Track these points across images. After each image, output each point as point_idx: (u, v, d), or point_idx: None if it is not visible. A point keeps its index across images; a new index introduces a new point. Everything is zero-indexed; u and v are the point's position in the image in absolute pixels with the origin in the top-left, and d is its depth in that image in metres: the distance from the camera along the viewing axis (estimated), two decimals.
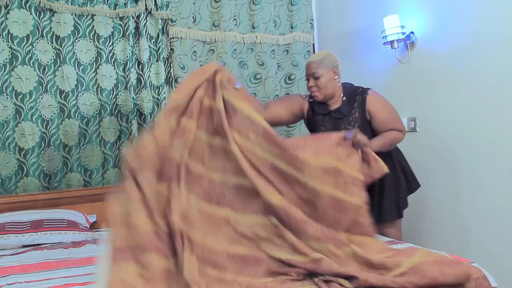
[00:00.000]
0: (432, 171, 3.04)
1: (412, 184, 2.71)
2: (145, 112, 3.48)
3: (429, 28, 3.10)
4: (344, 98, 2.61)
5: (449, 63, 2.95)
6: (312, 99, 2.69)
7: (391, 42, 3.21)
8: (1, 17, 3.12)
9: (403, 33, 3.18)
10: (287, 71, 4.03)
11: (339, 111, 2.61)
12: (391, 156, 2.61)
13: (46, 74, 3.25)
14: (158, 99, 3.54)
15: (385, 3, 3.40)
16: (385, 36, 3.21)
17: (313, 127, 2.73)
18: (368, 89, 2.61)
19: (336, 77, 2.57)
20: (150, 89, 3.51)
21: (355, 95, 2.59)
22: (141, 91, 3.48)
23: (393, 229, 2.62)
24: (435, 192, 3.03)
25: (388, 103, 2.63)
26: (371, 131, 2.57)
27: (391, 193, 2.57)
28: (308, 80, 2.60)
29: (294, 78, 4.02)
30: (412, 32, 3.17)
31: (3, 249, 2.60)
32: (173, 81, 3.57)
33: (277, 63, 4.00)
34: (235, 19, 3.80)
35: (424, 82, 3.12)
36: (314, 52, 4.13)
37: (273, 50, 3.96)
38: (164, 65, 3.57)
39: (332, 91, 2.58)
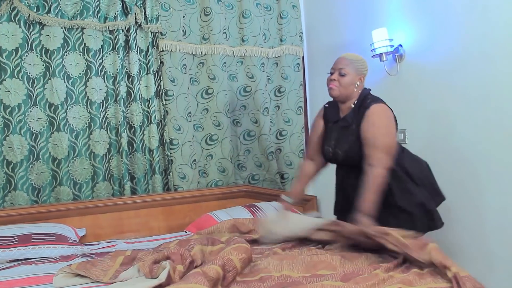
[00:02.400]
0: None
1: (436, 198, 2.52)
2: (135, 125, 3.47)
3: (417, 41, 3.13)
4: (354, 106, 2.49)
5: (437, 76, 2.98)
6: (327, 106, 2.66)
7: (380, 55, 3.24)
8: None
9: (392, 46, 3.21)
10: (276, 84, 4.05)
11: (345, 119, 2.51)
12: (403, 168, 2.46)
13: (35, 87, 3.23)
14: (148, 112, 3.53)
15: (374, 16, 3.43)
16: (374, 49, 3.24)
17: (326, 136, 2.63)
18: (374, 102, 2.43)
19: (358, 83, 2.48)
20: (140, 102, 3.51)
21: (361, 106, 2.45)
22: (131, 104, 3.48)
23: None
24: None
25: (385, 125, 2.39)
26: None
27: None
28: (332, 73, 2.50)
29: (284, 90, 4.04)
30: (400, 45, 3.21)
31: None
32: (163, 94, 3.57)
33: (267, 76, 4.01)
34: (224, 32, 3.82)
35: (413, 94, 3.14)
36: (303, 64, 4.15)
37: (263, 63, 3.98)
38: (154, 78, 3.57)
39: (348, 94, 2.47)
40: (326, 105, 2.69)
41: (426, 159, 2.62)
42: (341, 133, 2.51)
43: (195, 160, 3.68)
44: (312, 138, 2.73)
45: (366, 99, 2.46)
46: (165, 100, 3.57)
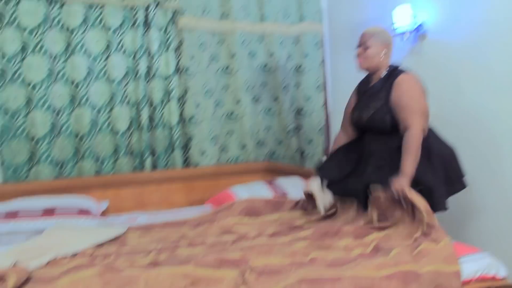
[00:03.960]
0: None
1: (455, 185, 2.49)
2: (154, 102, 3.49)
3: (440, 19, 3.08)
4: (383, 76, 2.58)
5: (460, 54, 2.94)
6: (363, 79, 2.76)
7: (402, 33, 3.19)
8: (12, 8, 3.13)
9: (414, 24, 3.16)
10: (296, 62, 4.03)
11: (373, 87, 2.61)
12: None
13: (56, 63, 3.26)
14: (167, 88, 3.55)
15: None
16: (396, 27, 3.20)
17: (356, 105, 2.74)
18: (404, 71, 2.53)
19: (384, 53, 2.57)
20: (160, 79, 3.52)
21: (391, 76, 2.55)
22: (151, 81, 3.50)
23: None
24: None
25: (417, 91, 2.47)
26: (390, 114, 2.48)
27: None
28: (358, 48, 2.63)
29: (303, 68, 4.01)
30: (423, 23, 3.16)
31: (15, 235, 2.63)
32: (183, 71, 3.58)
33: (287, 53, 3.99)
34: (244, 9, 3.79)
35: (436, 73, 3.10)
36: (322, 42, 4.12)
37: (283, 41, 3.95)
38: (174, 55, 3.57)
39: (376, 65, 2.58)
40: (363, 79, 2.78)
41: (451, 138, 2.60)
42: (369, 99, 2.61)
43: (214, 136, 3.70)
44: (346, 110, 2.82)
45: (395, 70, 2.57)
46: (184, 77, 3.58)
